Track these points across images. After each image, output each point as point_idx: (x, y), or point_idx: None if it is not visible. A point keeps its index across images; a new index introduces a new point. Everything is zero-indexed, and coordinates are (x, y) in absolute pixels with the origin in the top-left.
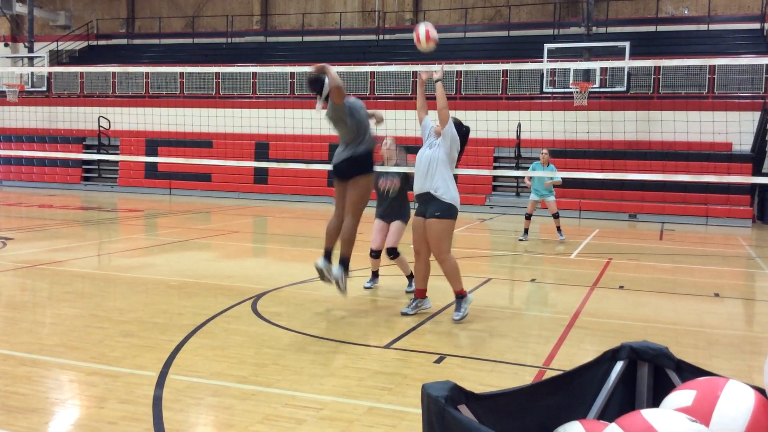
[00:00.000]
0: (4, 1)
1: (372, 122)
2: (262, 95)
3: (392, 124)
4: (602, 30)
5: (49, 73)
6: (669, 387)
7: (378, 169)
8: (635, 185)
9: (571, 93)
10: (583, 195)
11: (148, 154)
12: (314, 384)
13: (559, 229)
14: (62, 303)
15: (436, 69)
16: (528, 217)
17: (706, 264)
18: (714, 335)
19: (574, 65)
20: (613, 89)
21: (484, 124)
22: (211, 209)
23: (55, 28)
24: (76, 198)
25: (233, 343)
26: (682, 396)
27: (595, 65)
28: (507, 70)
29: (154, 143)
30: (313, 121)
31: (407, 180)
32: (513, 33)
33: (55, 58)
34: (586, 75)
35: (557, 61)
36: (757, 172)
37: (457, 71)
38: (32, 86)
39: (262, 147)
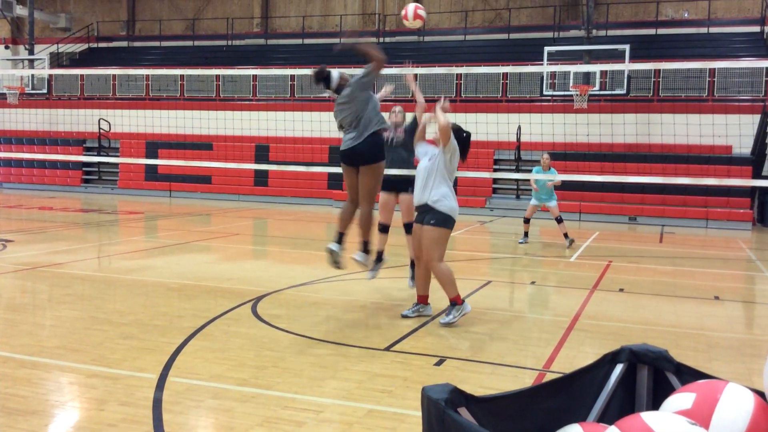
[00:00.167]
0: (5, 4)
1: (387, 90)
2: (262, 98)
3: None
4: (602, 33)
5: (50, 76)
6: (669, 390)
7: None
8: (635, 188)
9: (571, 96)
10: (583, 197)
11: (148, 157)
12: (314, 386)
13: (566, 235)
14: (62, 305)
15: (443, 104)
16: (527, 221)
17: (706, 267)
18: (714, 338)
19: (574, 68)
20: (613, 92)
21: (484, 126)
22: (211, 211)
23: (56, 31)
24: (76, 200)
25: (233, 346)
26: (681, 399)
27: (595, 68)
28: (507, 73)
29: (154, 145)
30: (313, 124)
31: (413, 134)
32: (513, 36)
33: (56, 60)
34: (586, 78)
35: (557, 64)
36: (757, 175)
37: (457, 74)
38: (33, 88)
39: (262, 149)
